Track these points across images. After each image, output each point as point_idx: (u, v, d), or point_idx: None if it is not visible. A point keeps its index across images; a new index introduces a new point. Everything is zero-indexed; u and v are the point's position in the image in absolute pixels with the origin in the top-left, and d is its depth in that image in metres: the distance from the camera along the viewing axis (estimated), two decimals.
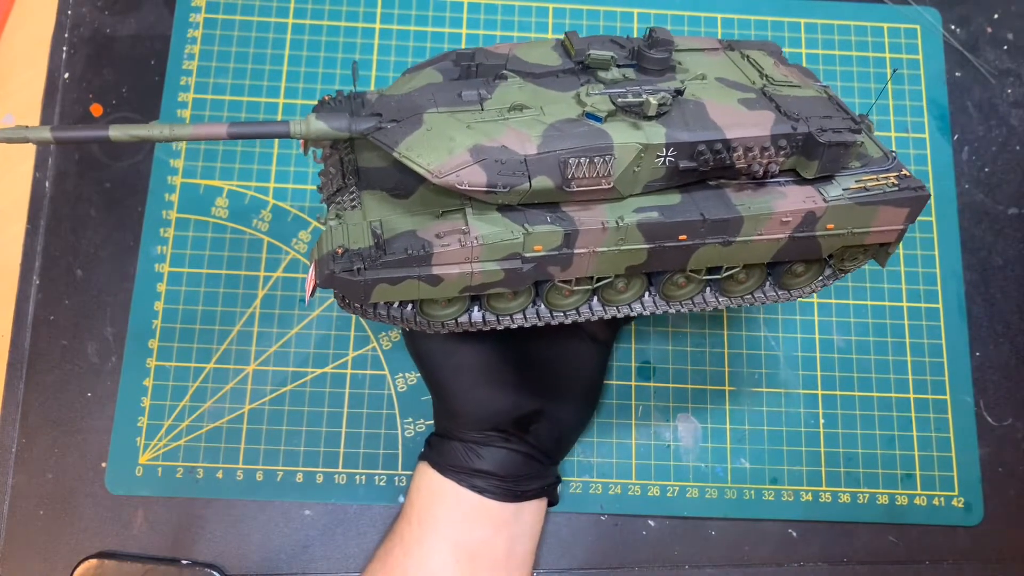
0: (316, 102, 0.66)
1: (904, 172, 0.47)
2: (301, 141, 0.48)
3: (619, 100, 0.43)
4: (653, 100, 0.42)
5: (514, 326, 0.49)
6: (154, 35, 0.69)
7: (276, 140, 0.66)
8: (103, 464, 0.61)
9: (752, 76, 0.49)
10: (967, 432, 0.64)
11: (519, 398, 0.54)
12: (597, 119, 0.43)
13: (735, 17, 0.71)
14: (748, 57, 0.51)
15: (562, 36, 0.50)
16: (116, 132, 0.42)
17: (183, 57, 0.68)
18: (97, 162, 0.66)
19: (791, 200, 0.45)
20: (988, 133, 0.71)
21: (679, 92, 0.45)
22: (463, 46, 0.69)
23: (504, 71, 0.46)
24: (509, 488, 0.53)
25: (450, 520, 0.53)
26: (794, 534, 0.62)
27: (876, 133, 0.51)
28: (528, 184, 0.42)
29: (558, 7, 0.71)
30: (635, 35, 0.70)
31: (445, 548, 0.53)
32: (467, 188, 0.41)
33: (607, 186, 0.43)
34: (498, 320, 0.49)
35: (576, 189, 0.43)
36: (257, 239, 0.65)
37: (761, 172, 0.44)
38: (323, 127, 0.43)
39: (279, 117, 0.67)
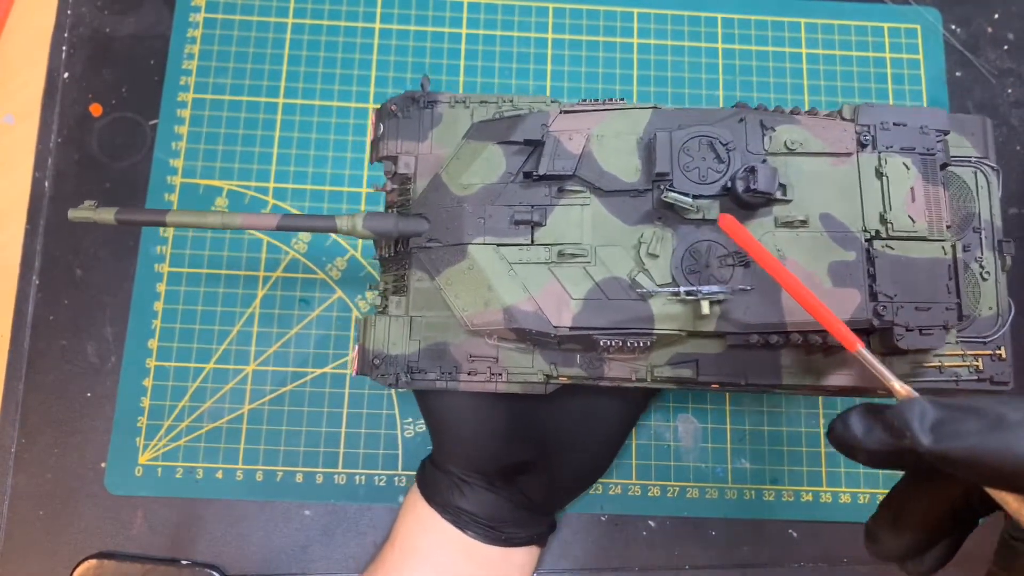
0: (317, 102, 0.68)
1: (999, 353, 0.41)
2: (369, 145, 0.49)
3: (670, 294, 0.40)
4: (707, 309, 0.39)
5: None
6: (154, 35, 0.69)
7: (277, 136, 0.66)
8: (103, 464, 0.61)
9: (870, 215, 0.40)
10: None
11: (509, 446, 0.50)
12: (645, 291, 0.40)
13: (735, 17, 0.71)
14: (884, 175, 0.41)
15: (654, 107, 0.44)
16: (172, 218, 0.45)
17: (183, 57, 0.68)
18: (97, 162, 0.66)
19: (847, 373, 0.42)
20: None
21: (746, 289, 0.40)
22: (463, 46, 0.69)
23: (569, 185, 0.43)
24: (493, 532, 0.50)
25: (431, 552, 0.51)
26: (795, 534, 0.62)
27: None
28: (556, 346, 0.43)
29: (558, 7, 0.71)
30: (636, 34, 0.70)
31: None
32: (496, 342, 0.44)
33: (641, 357, 0.43)
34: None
35: (606, 357, 0.44)
36: (257, 239, 0.65)
37: (818, 350, 0.41)
38: (367, 232, 0.45)
39: (279, 117, 0.67)
